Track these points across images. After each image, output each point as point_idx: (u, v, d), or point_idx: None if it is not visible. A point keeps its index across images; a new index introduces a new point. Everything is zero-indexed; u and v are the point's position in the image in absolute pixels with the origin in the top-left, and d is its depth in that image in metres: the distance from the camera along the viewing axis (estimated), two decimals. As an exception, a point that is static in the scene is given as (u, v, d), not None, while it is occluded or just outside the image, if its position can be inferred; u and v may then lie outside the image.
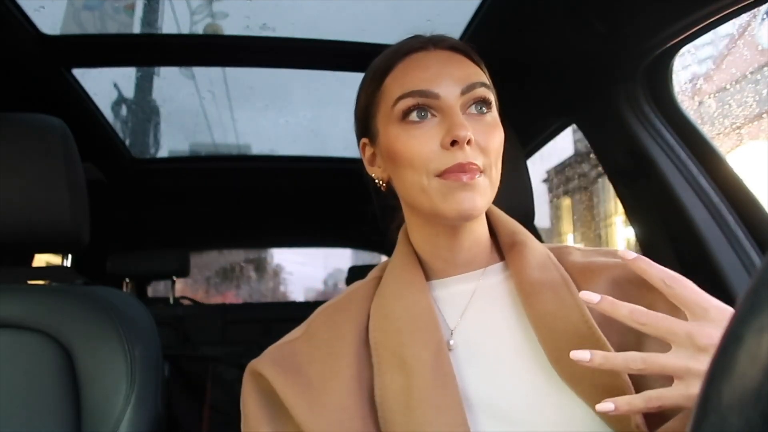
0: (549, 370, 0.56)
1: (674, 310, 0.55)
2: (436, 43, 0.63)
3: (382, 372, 0.58)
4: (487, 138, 0.59)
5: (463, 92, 0.59)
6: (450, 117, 0.58)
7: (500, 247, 0.67)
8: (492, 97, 0.62)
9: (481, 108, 0.60)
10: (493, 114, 0.62)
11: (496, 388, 0.57)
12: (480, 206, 0.58)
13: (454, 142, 0.57)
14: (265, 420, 0.59)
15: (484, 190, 0.59)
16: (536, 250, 0.64)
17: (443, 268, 0.65)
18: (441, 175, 0.57)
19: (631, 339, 0.56)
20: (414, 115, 0.59)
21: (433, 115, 0.59)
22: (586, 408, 0.54)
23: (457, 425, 0.52)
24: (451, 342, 0.60)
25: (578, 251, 0.67)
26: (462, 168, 0.56)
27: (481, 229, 0.65)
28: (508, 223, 0.68)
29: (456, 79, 0.60)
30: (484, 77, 0.62)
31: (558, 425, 0.54)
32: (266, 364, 0.61)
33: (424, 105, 0.59)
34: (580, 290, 0.58)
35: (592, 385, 0.54)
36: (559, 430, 0.53)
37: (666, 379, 0.49)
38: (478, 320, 0.62)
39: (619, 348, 0.54)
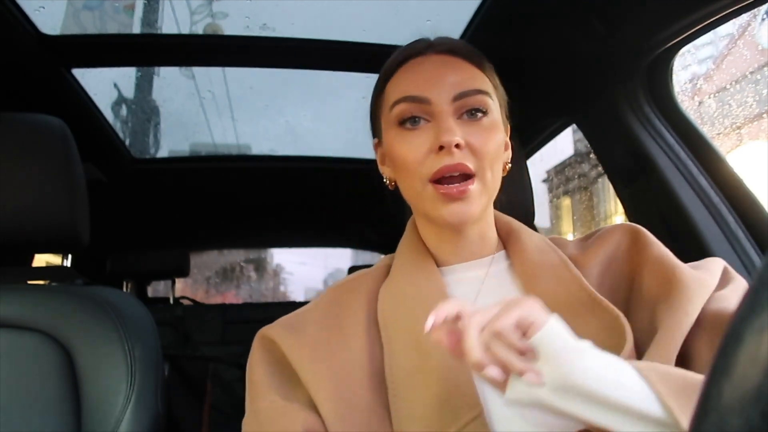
0: None
1: (668, 284, 0.58)
2: (435, 46, 0.64)
3: (393, 352, 0.59)
4: (481, 141, 0.59)
5: (455, 99, 0.60)
6: (439, 122, 0.59)
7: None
8: (489, 101, 0.62)
9: (475, 113, 0.61)
10: (491, 117, 0.62)
11: None
12: (474, 213, 0.60)
13: (442, 147, 0.58)
14: (273, 387, 0.59)
15: (478, 197, 0.60)
16: (532, 236, 0.67)
17: (449, 259, 0.66)
18: (433, 181, 0.59)
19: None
20: (409, 121, 0.61)
21: (426, 120, 0.61)
22: None
23: (472, 406, 0.53)
24: None
25: (572, 243, 0.69)
26: (450, 169, 0.58)
27: (484, 223, 0.66)
28: (502, 217, 0.71)
29: (449, 85, 0.60)
30: (482, 82, 0.63)
31: None
32: (276, 328, 0.63)
33: (418, 110, 0.60)
34: (578, 268, 0.61)
35: (597, 343, 0.55)
36: None
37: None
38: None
39: None
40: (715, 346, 0.49)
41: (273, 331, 0.63)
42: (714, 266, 0.61)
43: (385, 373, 0.58)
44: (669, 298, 0.55)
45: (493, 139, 0.61)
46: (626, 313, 0.59)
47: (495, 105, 0.63)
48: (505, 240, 0.68)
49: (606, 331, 0.55)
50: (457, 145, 0.58)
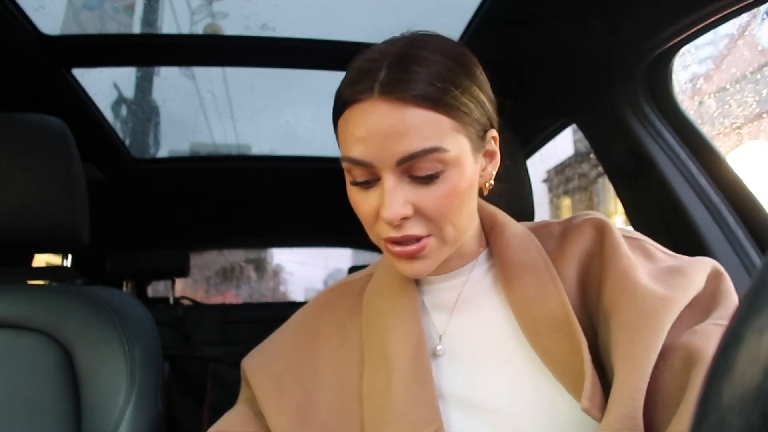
0: (532, 355, 0.57)
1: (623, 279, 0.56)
2: (383, 89, 0.51)
3: (369, 367, 0.60)
4: (433, 205, 0.53)
5: (399, 163, 0.52)
6: (383, 189, 0.53)
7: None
8: (443, 155, 0.52)
9: (427, 174, 0.52)
10: (448, 171, 0.53)
11: (479, 382, 0.58)
12: (429, 269, 0.57)
13: None
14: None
15: (437, 250, 0.56)
16: (516, 229, 0.64)
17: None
18: (385, 239, 0.56)
19: (589, 332, 0.57)
20: (357, 178, 0.55)
21: (377, 179, 0.54)
22: (564, 391, 0.54)
23: (430, 420, 0.54)
24: (439, 347, 0.61)
25: (558, 225, 0.66)
26: (397, 240, 0.54)
27: (462, 243, 0.62)
28: (486, 208, 0.67)
29: (394, 147, 0.51)
30: (434, 132, 0.51)
31: (538, 411, 0.54)
32: (250, 360, 0.66)
33: (362, 170, 0.54)
34: (558, 271, 0.59)
35: (565, 364, 0.55)
36: (540, 415, 0.54)
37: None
38: (465, 317, 0.62)
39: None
40: (682, 384, 0.48)
41: (247, 363, 0.66)
42: (696, 273, 0.57)
43: (362, 389, 0.59)
44: (629, 323, 0.52)
45: (449, 198, 0.53)
46: (594, 338, 0.58)
47: (454, 148, 0.53)
48: (489, 232, 0.65)
49: (572, 354, 0.54)
50: (405, 217, 0.52)
